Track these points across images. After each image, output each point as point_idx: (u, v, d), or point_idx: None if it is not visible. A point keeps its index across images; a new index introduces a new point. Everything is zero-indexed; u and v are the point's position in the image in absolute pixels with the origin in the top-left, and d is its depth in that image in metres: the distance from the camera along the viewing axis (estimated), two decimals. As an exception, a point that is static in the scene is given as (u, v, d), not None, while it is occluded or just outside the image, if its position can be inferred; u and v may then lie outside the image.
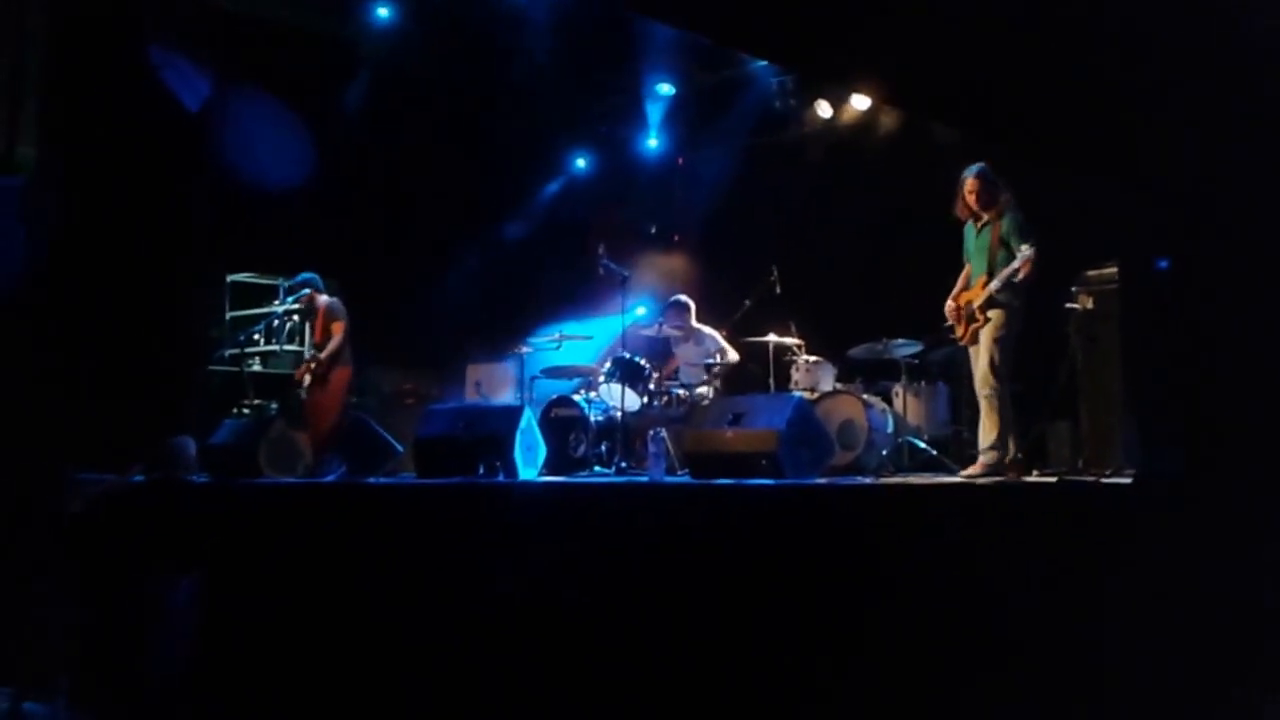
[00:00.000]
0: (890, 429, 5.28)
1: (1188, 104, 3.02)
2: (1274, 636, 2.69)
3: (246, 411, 5.95)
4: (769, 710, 2.62)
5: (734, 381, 5.96)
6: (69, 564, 3.82)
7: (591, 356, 6.18)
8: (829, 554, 2.80)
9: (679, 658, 2.69)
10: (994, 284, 4.00)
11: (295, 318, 6.43)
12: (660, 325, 5.92)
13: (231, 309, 6.79)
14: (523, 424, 4.37)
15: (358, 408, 5.75)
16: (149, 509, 3.89)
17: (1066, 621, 2.76)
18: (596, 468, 5.28)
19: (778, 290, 5.70)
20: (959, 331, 4.18)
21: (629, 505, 3.20)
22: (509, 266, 7.30)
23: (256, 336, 6.37)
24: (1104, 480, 3.96)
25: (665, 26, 6.09)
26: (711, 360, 5.73)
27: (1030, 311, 4.12)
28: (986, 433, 4.02)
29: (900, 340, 5.38)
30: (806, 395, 5.29)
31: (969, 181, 4.14)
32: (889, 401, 5.48)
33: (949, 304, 4.21)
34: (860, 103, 6.71)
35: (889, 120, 6.57)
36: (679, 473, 4.70)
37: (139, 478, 4.10)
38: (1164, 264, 3.16)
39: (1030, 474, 4.40)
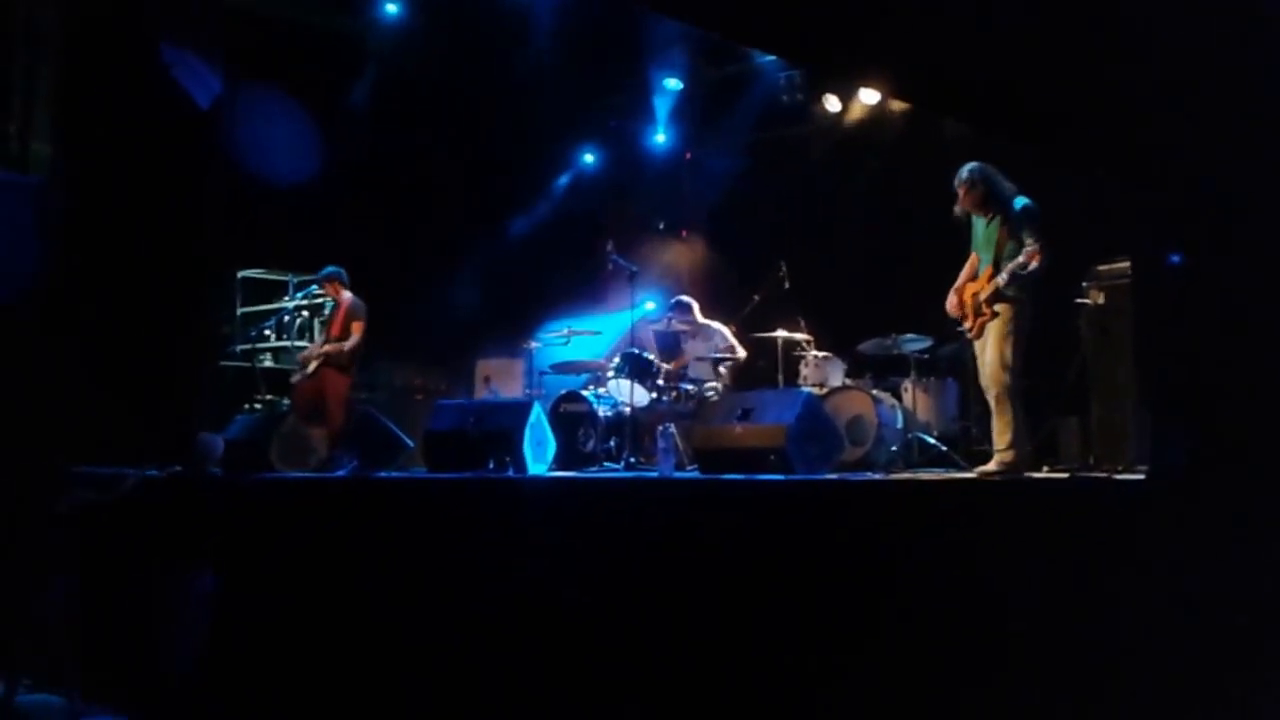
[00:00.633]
0: (900, 424, 5.27)
1: (1199, 98, 3.00)
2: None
3: (258, 407, 6.00)
4: (773, 707, 2.63)
5: (743, 377, 5.96)
6: (80, 557, 3.86)
7: (600, 352, 6.19)
8: (838, 550, 2.80)
9: (686, 653, 2.70)
10: (1001, 277, 3.91)
11: (305, 313, 6.48)
12: (669, 320, 5.93)
13: (242, 305, 6.84)
14: (532, 419, 4.38)
15: (368, 403, 5.78)
16: (164, 503, 3.92)
17: (1079, 618, 2.75)
18: (605, 463, 5.29)
19: (786, 285, 5.69)
20: (968, 324, 4.11)
21: (638, 500, 3.20)
22: (517, 262, 7.31)
23: (267, 332, 6.43)
24: (1116, 476, 3.94)
25: (673, 21, 6.08)
26: (720, 355, 5.73)
27: (1041, 306, 4.07)
28: (1000, 432, 3.91)
29: (909, 335, 5.36)
30: (815, 391, 5.29)
31: (960, 186, 4.09)
32: (898, 397, 5.46)
33: (951, 297, 4.12)
34: (869, 97, 6.68)
35: (897, 115, 6.54)
36: (688, 468, 4.71)
37: (153, 472, 4.14)
38: (1176, 259, 3.13)
39: (1041, 469, 4.38)
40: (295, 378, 5.60)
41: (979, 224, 4.19)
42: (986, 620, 2.71)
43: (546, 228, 7.64)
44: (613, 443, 5.37)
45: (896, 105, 6.42)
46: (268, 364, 6.47)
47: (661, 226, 7.68)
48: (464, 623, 2.96)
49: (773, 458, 3.69)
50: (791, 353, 5.70)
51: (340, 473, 4.81)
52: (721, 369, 5.68)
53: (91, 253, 4.90)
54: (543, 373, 6.04)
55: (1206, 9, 2.91)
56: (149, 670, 3.53)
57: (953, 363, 5.46)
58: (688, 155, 7.82)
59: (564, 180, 7.91)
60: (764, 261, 5.86)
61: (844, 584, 2.73)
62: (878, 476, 4.37)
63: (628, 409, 5.31)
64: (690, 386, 5.59)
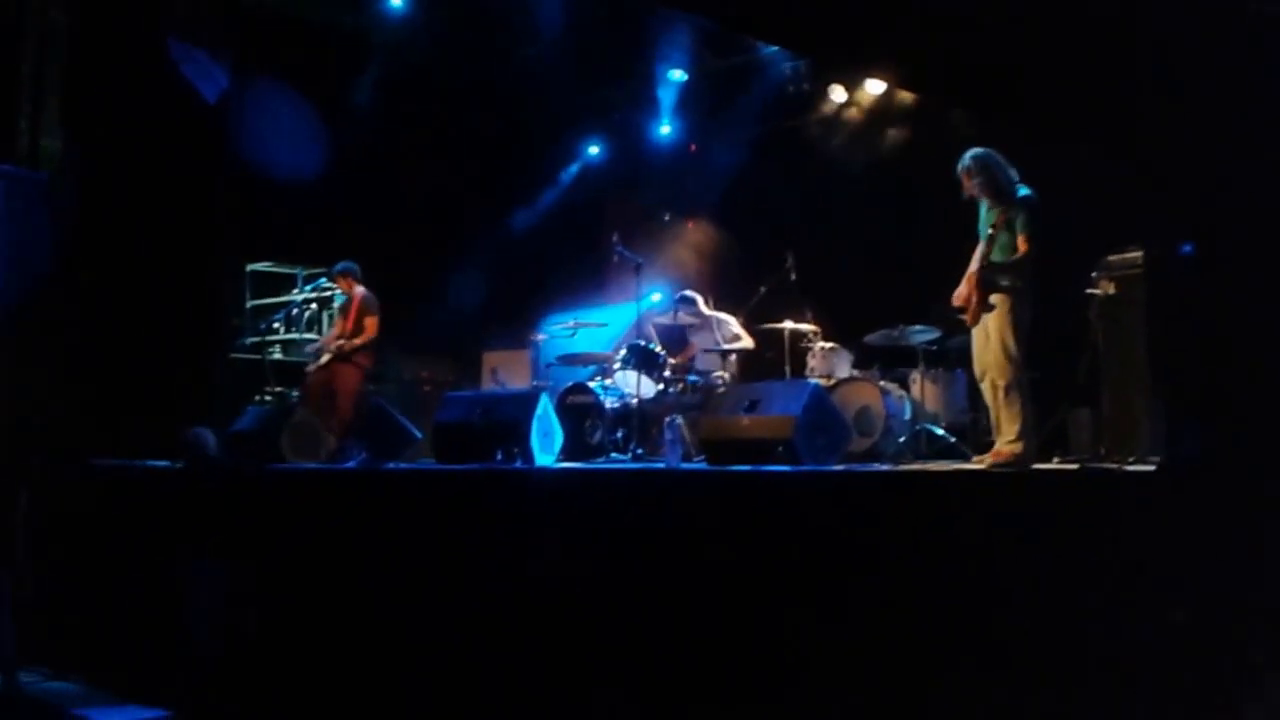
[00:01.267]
0: (907, 416, 5.25)
1: (1211, 86, 2.96)
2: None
3: (269, 399, 6.04)
4: (781, 696, 2.64)
5: (750, 368, 5.95)
6: (89, 549, 3.90)
7: (607, 344, 6.20)
8: (846, 541, 2.79)
9: (694, 644, 2.71)
10: (973, 265, 3.84)
11: (313, 306, 6.52)
12: (675, 315, 5.92)
13: (252, 298, 6.88)
14: (539, 410, 4.39)
15: (377, 394, 5.82)
16: (176, 493, 3.95)
17: (1089, 611, 2.74)
18: (613, 454, 5.30)
19: (793, 277, 5.67)
20: (967, 312, 3.97)
21: (645, 492, 3.21)
22: (524, 254, 7.32)
23: (276, 325, 6.48)
24: (1127, 467, 3.92)
25: (677, 12, 6.06)
26: (728, 346, 5.72)
27: (1050, 297, 4.02)
28: (1008, 423, 3.81)
29: (917, 327, 5.33)
30: (823, 382, 5.27)
31: (961, 172, 4.03)
32: (906, 388, 5.44)
33: (961, 288, 4.00)
34: (874, 87, 6.64)
35: (903, 104, 6.50)
36: (695, 459, 4.71)
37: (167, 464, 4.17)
38: (1189, 249, 3.11)
39: (1051, 461, 4.35)
40: (310, 367, 5.63)
41: (982, 209, 4.14)
42: (995, 612, 2.70)
43: (552, 220, 7.65)
44: (620, 434, 5.38)
45: (903, 95, 6.38)
46: (277, 356, 6.51)
47: (667, 218, 7.67)
48: (473, 613, 2.98)
49: (780, 449, 3.68)
50: (799, 344, 5.68)
51: (350, 464, 4.85)
52: (729, 360, 5.67)
53: (102, 247, 4.94)
54: (549, 364, 6.05)
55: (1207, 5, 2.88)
56: (159, 658, 3.56)
57: (961, 354, 5.43)
58: (692, 147, 7.79)
59: (570, 172, 7.91)
60: (770, 252, 5.84)
61: (852, 576, 2.73)
62: (885, 468, 4.35)
63: (634, 400, 5.31)
64: (697, 378, 5.59)
